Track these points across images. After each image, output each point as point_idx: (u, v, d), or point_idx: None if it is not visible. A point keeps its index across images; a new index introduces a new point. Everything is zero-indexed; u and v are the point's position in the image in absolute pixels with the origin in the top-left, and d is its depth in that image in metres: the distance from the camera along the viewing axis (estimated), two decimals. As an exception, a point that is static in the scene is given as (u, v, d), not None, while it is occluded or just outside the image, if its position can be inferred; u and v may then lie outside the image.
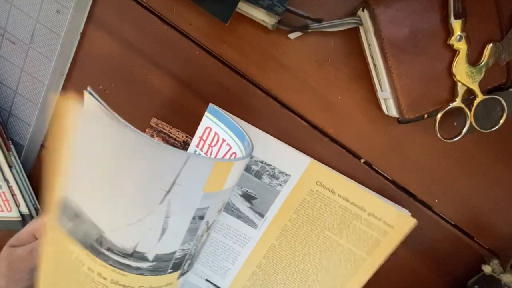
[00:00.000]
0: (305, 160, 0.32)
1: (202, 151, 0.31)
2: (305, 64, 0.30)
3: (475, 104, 0.27)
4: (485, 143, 0.31)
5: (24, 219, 0.40)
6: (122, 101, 0.34)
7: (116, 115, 0.22)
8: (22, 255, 0.30)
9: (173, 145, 0.35)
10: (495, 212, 0.33)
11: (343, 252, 0.33)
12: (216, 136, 0.29)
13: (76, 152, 0.20)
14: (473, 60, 0.26)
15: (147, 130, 0.35)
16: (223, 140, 0.29)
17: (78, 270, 0.24)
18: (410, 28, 0.25)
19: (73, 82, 0.34)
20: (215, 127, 0.29)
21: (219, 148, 0.29)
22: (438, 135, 0.28)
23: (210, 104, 0.30)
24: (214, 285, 0.37)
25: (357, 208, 0.32)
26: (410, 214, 0.32)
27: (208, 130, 0.30)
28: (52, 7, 0.30)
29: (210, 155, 0.31)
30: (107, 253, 0.22)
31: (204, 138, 0.31)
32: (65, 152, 0.20)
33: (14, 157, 0.37)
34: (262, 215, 0.34)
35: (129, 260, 0.23)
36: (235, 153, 0.28)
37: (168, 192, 0.20)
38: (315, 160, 0.32)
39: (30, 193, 0.39)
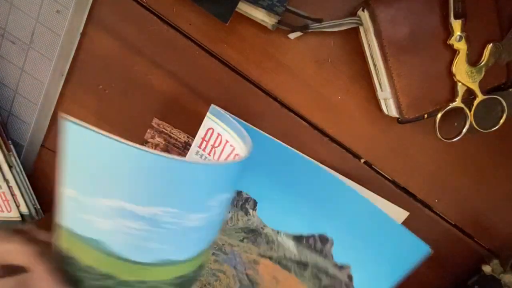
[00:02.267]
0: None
1: (204, 151, 0.31)
2: (305, 64, 0.30)
3: (475, 104, 0.27)
4: (485, 143, 0.31)
5: (24, 219, 0.40)
6: (122, 101, 0.34)
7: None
8: None
9: (174, 145, 0.35)
10: (495, 212, 0.33)
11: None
12: (219, 137, 0.29)
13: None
14: (473, 60, 0.26)
15: (148, 130, 0.35)
16: (227, 141, 0.29)
17: None
18: (410, 28, 0.25)
19: (73, 82, 0.34)
20: (218, 128, 0.29)
21: (223, 149, 0.29)
22: (438, 135, 0.28)
23: (212, 105, 0.30)
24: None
25: None
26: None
27: (210, 131, 0.30)
28: (52, 7, 0.30)
29: (214, 155, 0.30)
30: None
31: (206, 139, 0.31)
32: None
33: (14, 157, 0.37)
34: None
35: None
36: (238, 154, 0.28)
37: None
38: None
39: (30, 193, 0.39)
